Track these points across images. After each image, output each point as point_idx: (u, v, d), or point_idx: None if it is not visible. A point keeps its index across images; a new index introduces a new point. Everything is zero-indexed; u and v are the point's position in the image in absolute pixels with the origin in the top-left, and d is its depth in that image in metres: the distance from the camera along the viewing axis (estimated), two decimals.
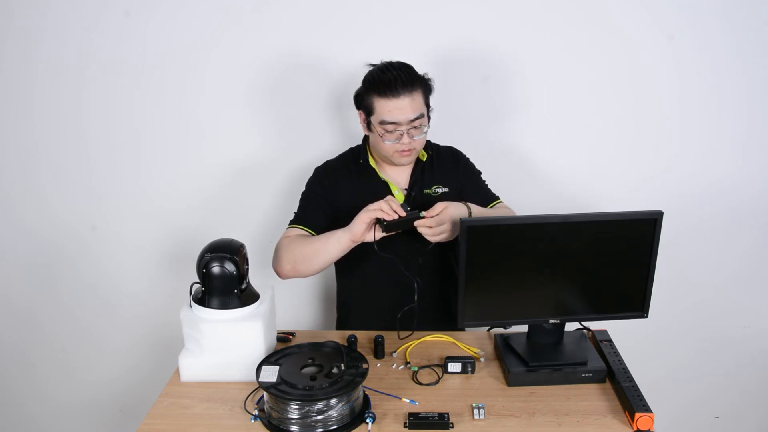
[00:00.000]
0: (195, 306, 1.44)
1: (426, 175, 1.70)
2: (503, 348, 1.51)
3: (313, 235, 1.64)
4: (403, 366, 1.51)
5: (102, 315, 2.22)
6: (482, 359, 1.53)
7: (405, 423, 1.29)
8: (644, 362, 1.81)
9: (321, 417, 1.24)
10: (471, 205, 1.59)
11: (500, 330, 1.58)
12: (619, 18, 1.87)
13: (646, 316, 1.47)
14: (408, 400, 1.37)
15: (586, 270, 1.44)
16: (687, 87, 1.93)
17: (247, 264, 1.50)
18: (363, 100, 1.59)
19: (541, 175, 2.03)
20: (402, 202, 1.66)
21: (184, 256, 2.07)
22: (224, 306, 1.42)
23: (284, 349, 1.41)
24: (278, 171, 2.04)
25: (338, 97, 1.95)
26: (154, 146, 2.03)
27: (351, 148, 1.78)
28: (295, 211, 1.72)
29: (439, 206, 1.51)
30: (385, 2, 1.86)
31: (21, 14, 1.90)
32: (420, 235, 1.51)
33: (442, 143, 1.79)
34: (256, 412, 1.32)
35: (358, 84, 1.62)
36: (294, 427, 1.25)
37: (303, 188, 1.74)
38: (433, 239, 1.51)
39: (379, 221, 1.49)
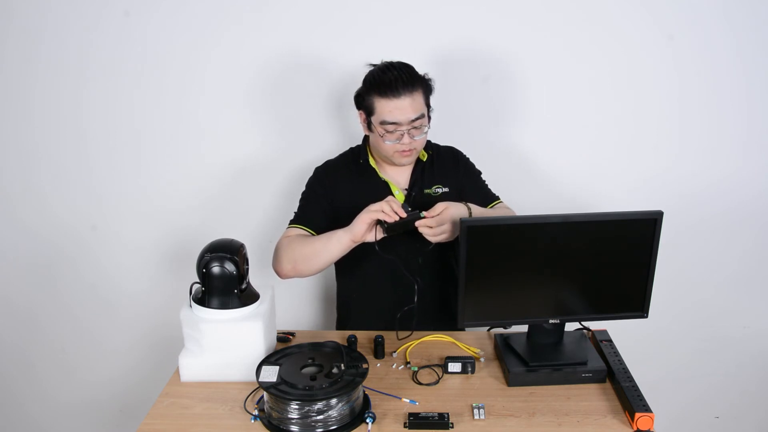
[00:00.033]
0: (195, 306, 1.44)
1: (426, 175, 1.70)
2: (503, 348, 1.51)
3: (313, 234, 1.64)
4: (403, 366, 1.51)
5: (102, 315, 2.22)
6: (482, 359, 1.53)
7: (405, 423, 1.29)
8: (644, 362, 1.81)
9: (321, 417, 1.24)
10: (471, 205, 1.59)
11: (500, 330, 1.58)
12: (619, 18, 1.87)
13: (646, 316, 1.47)
14: (408, 400, 1.37)
15: (586, 270, 1.44)
16: (687, 87, 1.93)
17: (247, 264, 1.50)
18: (363, 100, 1.59)
19: (541, 175, 2.03)
20: (402, 202, 1.66)
21: (184, 256, 2.07)
22: (224, 306, 1.42)
23: (284, 349, 1.41)
24: (278, 171, 2.04)
25: (338, 97, 1.95)
26: (154, 146, 2.03)
27: (351, 148, 1.78)
28: (295, 210, 1.72)
29: (440, 206, 1.51)
30: (385, 2, 1.86)
31: (21, 14, 1.90)
32: (420, 235, 1.51)
33: (442, 143, 1.79)
34: (256, 412, 1.32)
35: (358, 84, 1.62)
36: (294, 427, 1.25)
37: (303, 188, 1.74)
38: (433, 239, 1.51)
39: (380, 222, 1.49)
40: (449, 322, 1.69)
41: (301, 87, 1.95)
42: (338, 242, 1.53)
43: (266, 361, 1.36)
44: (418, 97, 1.55)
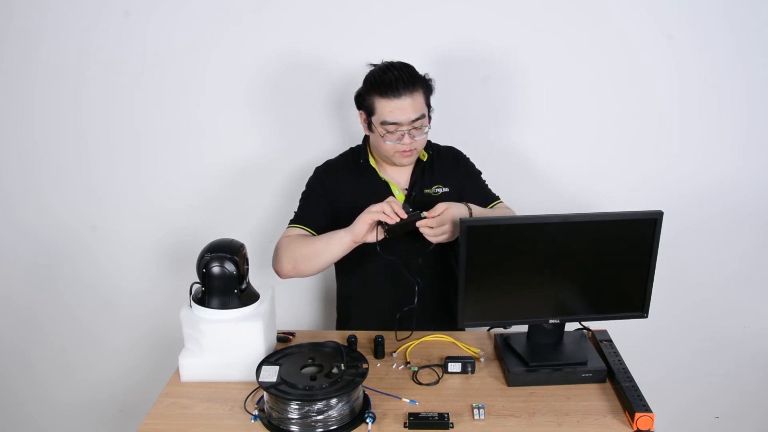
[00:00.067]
0: (195, 306, 1.44)
1: (426, 175, 1.70)
2: (503, 348, 1.51)
3: (313, 234, 1.64)
4: (403, 366, 1.51)
5: (102, 315, 2.22)
6: (482, 359, 1.53)
7: (405, 423, 1.29)
8: (644, 362, 1.81)
9: (321, 417, 1.24)
10: (472, 205, 1.59)
11: (500, 330, 1.58)
12: (619, 18, 1.87)
13: (646, 316, 1.47)
14: (408, 400, 1.37)
15: (586, 270, 1.44)
16: (687, 87, 1.93)
17: (247, 264, 1.50)
18: (364, 101, 1.59)
19: (541, 175, 2.03)
20: (402, 201, 1.66)
21: (184, 256, 2.07)
22: (224, 306, 1.42)
23: (284, 349, 1.41)
24: (278, 171, 2.04)
25: (338, 97, 1.95)
26: (154, 146, 2.03)
27: (351, 148, 1.78)
28: (295, 210, 1.72)
29: (441, 207, 1.51)
30: (385, 2, 1.86)
31: (21, 14, 1.90)
32: (421, 235, 1.51)
33: (442, 143, 1.79)
34: (256, 412, 1.32)
35: (359, 84, 1.62)
36: (294, 427, 1.25)
37: (303, 188, 1.74)
38: (434, 240, 1.51)
39: (381, 223, 1.49)
40: (449, 322, 1.69)
41: (301, 87, 1.95)
42: (339, 243, 1.53)
43: (266, 361, 1.36)
44: (418, 98, 1.55)
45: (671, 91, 1.93)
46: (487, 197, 1.74)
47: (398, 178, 1.70)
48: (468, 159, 1.79)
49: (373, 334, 1.58)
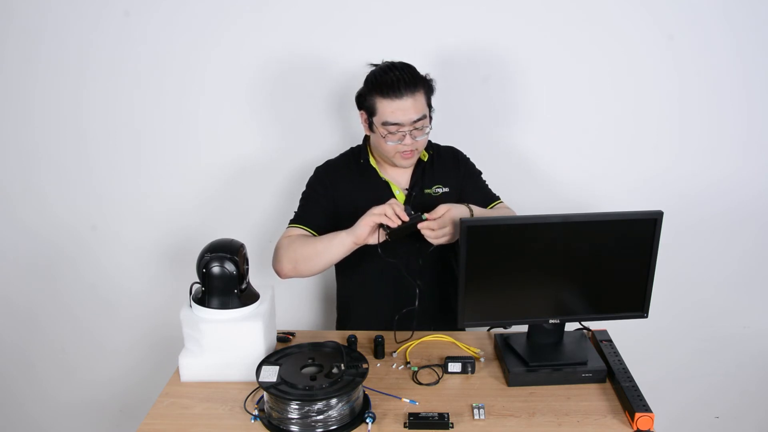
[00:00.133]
0: (195, 306, 1.44)
1: (427, 175, 1.70)
2: (503, 348, 1.51)
3: (313, 234, 1.64)
4: (403, 366, 1.51)
5: (102, 315, 2.22)
6: (482, 359, 1.53)
7: (405, 423, 1.29)
8: (644, 362, 1.81)
9: (321, 417, 1.24)
10: (473, 207, 1.59)
11: (500, 330, 1.58)
12: (619, 18, 1.87)
13: (646, 316, 1.47)
14: (408, 400, 1.37)
15: (586, 270, 1.44)
16: (687, 87, 1.93)
17: (247, 264, 1.50)
18: (365, 101, 1.59)
19: (541, 175, 2.03)
20: (403, 201, 1.67)
21: (184, 256, 2.07)
22: (224, 306, 1.42)
23: (284, 349, 1.41)
24: (278, 171, 2.04)
25: (338, 97, 1.95)
26: (154, 146, 2.03)
27: (351, 148, 1.77)
28: (296, 210, 1.71)
29: (442, 208, 1.51)
30: (385, 2, 1.86)
31: (21, 14, 1.90)
32: (421, 236, 1.51)
33: (442, 143, 1.79)
34: (256, 412, 1.32)
35: (359, 84, 1.62)
36: (294, 427, 1.25)
37: (303, 188, 1.74)
38: (435, 242, 1.51)
39: (382, 226, 1.49)
40: (449, 322, 1.69)
41: (301, 87, 1.95)
42: (341, 244, 1.53)
43: (266, 361, 1.36)
44: (420, 98, 1.55)
45: (671, 91, 1.93)
46: (487, 197, 1.74)
47: (399, 178, 1.70)
48: (468, 159, 1.79)
49: (373, 334, 1.58)
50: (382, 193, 1.66)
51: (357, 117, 1.67)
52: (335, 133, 2.00)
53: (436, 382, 1.44)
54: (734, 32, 1.87)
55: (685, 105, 1.95)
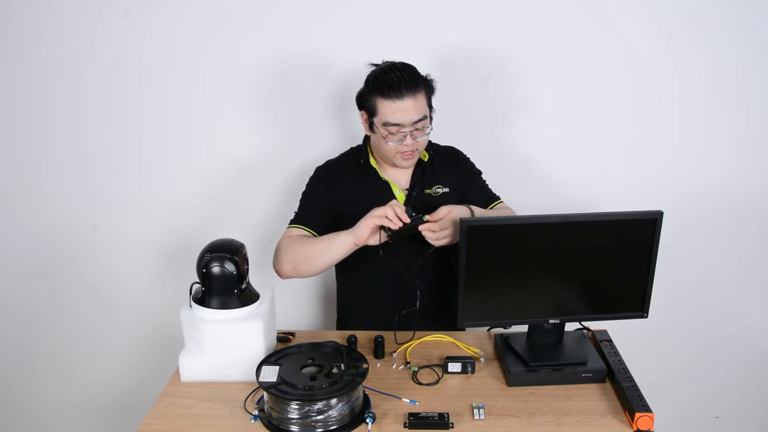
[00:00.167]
0: (195, 306, 1.44)
1: (427, 175, 1.70)
2: (503, 348, 1.51)
3: (314, 234, 1.64)
4: (403, 366, 1.51)
5: (102, 315, 2.23)
6: (482, 359, 1.53)
7: (405, 423, 1.29)
8: (644, 362, 1.81)
9: (321, 417, 1.24)
10: (474, 208, 1.59)
11: (500, 330, 1.58)
12: (619, 18, 1.87)
13: (646, 316, 1.47)
14: (408, 400, 1.37)
15: (586, 270, 1.44)
16: (687, 87, 1.93)
17: (247, 264, 1.50)
18: (366, 101, 1.59)
19: (541, 175, 2.03)
20: (403, 201, 1.66)
21: (184, 256, 2.07)
22: (224, 306, 1.42)
23: (284, 349, 1.41)
24: (278, 171, 2.04)
25: (338, 97, 1.95)
26: (154, 146, 2.03)
27: (352, 148, 1.77)
28: (296, 210, 1.71)
29: (443, 210, 1.51)
30: (385, 2, 1.86)
31: (21, 14, 1.90)
32: (422, 236, 1.51)
33: (442, 143, 1.79)
34: (256, 412, 1.32)
35: (359, 84, 1.62)
36: (294, 427, 1.25)
37: (303, 188, 1.73)
38: (436, 243, 1.51)
39: (384, 228, 1.49)
40: (449, 322, 1.69)
41: (301, 87, 1.95)
42: (341, 245, 1.53)
43: (266, 361, 1.36)
44: (420, 99, 1.55)
45: (671, 91, 1.93)
46: (487, 197, 1.74)
47: (399, 178, 1.70)
48: (468, 159, 1.79)
49: (373, 334, 1.58)
50: (383, 193, 1.66)
51: (357, 117, 1.67)
52: (335, 133, 2.00)
53: (436, 382, 1.44)
54: (734, 32, 1.87)
55: (685, 105, 1.95)
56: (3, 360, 2.30)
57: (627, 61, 1.91)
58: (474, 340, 1.63)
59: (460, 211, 1.53)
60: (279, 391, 1.25)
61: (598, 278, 1.45)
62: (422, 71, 1.59)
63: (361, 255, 1.59)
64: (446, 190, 1.70)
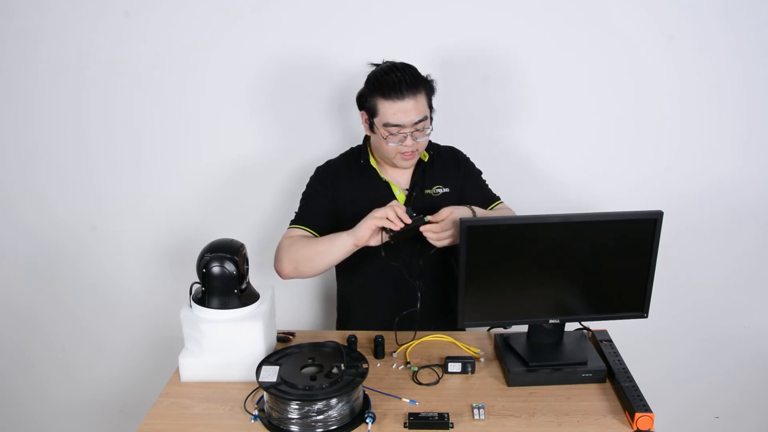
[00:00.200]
0: (195, 306, 1.44)
1: (427, 175, 1.70)
2: (503, 348, 1.51)
3: (314, 235, 1.64)
4: (403, 366, 1.51)
5: (102, 315, 2.22)
6: (482, 359, 1.53)
7: (405, 423, 1.29)
8: (644, 362, 1.81)
9: (321, 417, 1.24)
10: (476, 208, 1.59)
11: (500, 330, 1.58)
12: (619, 18, 1.87)
13: (646, 316, 1.47)
14: (408, 400, 1.37)
15: (586, 270, 1.44)
16: (687, 87, 1.93)
17: (247, 264, 1.50)
18: (366, 101, 1.58)
19: (541, 175, 2.03)
20: (403, 202, 1.66)
21: (184, 256, 2.07)
22: (224, 306, 1.42)
23: (284, 349, 1.41)
24: (278, 171, 2.04)
25: (338, 97, 1.95)
26: (154, 146, 2.03)
27: (352, 148, 1.77)
28: (296, 211, 1.71)
29: (445, 212, 1.51)
30: (385, 2, 1.86)
31: (21, 14, 1.90)
32: (422, 237, 1.51)
33: (442, 143, 1.79)
34: (256, 412, 1.32)
35: (359, 84, 1.61)
36: (294, 427, 1.25)
37: (303, 188, 1.73)
38: (438, 244, 1.51)
39: (385, 229, 1.49)
40: (449, 322, 1.69)
41: (301, 87, 1.95)
42: (342, 245, 1.53)
43: (266, 361, 1.36)
44: (421, 99, 1.55)
45: (671, 91, 1.93)
46: (487, 197, 1.74)
47: (399, 178, 1.70)
48: (468, 159, 1.78)
49: (373, 334, 1.58)
50: (383, 193, 1.66)
51: (357, 117, 1.66)
52: (335, 133, 2.00)
53: (436, 382, 1.44)
54: (734, 32, 1.87)
55: (685, 105, 1.95)
56: (3, 360, 2.30)
57: (627, 61, 1.91)
58: (474, 340, 1.63)
59: (461, 212, 1.53)
60: (279, 391, 1.25)
61: (598, 278, 1.45)
62: (422, 71, 1.59)
63: (362, 255, 1.59)
64: (446, 190, 1.70)
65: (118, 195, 2.08)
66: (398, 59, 1.60)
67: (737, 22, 1.86)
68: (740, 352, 2.22)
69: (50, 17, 1.90)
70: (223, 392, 1.40)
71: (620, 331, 1.68)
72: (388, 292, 1.70)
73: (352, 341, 1.55)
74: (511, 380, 1.42)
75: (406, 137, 1.55)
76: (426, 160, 1.70)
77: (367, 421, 1.27)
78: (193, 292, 1.46)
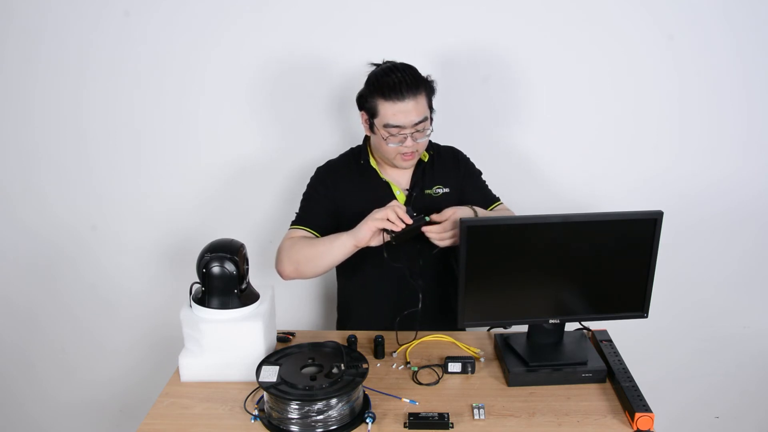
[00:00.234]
0: (195, 306, 1.44)
1: (427, 175, 1.70)
2: (503, 348, 1.51)
3: (316, 235, 1.64)
4: (403, 366, 1.51)
5: (102, 315, 2.22)
6: (482, 359, 1.53)
7: (405, 423, 1.29)
8: (644, 362, 1.81)
9: (321, 417, 1.24)
10: (477, 209, 1.59)
11: (500, 330, 1.58)
12: (619, 18, 1.87)
13: (646, 316, 1.47)
14: (408, 400, 1.37)
15: (586, 270, 1.44)
16: (687, 87, 1.93)
17: (247, 264, 1.50)
18: (366, 102, 1.58)
19: (541, 175, 2.03)
20: (403, 202, 1.66)
21: (184, 256, 2.07)
22: (224, 306, 1.42)
23: (284, 349, 1.41)
24: (278, 171, 2.04)
25: (338, 97, 1.95)
26: (154, 146, 2.03)
27: (352, 148, 1.77)
28: (297, 211, 1.71)
29: (448, 212, 1.51)
30: (385, 2, 1.86)
31: (21, 14, 1.90)
32: (423, 237, 1.51)
33: (442, 143, 1.79)
34: (256, 412, 1.32)
35: (359, 84, 1.61)
36: (294, 427, 1.25)
37: (303, 188, 1.73)
38: (441, 244, 1.51)
39: (386, 230, 1.49)
40: (449, 322, 1.69)
41: (301, 87, 1.95)
42: (342, 246, 1.53)
43: (266, 361, 1.36)
44: (421, 100, 1.55)
45: (671, 91, 1.93)
46: (486, 198, 1.74)
47: (399, 178, 1.70)
48: (468, 159, 1.78)
49: (373, 334, 1.58)
50: (383, 193, 1.66)
51: (357, 117, 1.66)
52: (335, 133, 2.00)
53: (436, 382, 1.44)
54: (734, 32, 1.87)
55: (685, 105, 1.95)
56: (3, 360, 2.30)
57: (627, 61, 1.90)
58: (474, 340, 1.63)
59: (463, 212, 1.53)
60: (279, 391, 1.25)
61: (598, 278, 1.45)
62: (423, 71, 1.59)
63: (362, 255, 1.59)
64: (446, 190, 1.70)
65: (118, 195, 2.08)
66: (398, 59, 1.60)
67: (737, 22, 1.86)
68: (740, 352, 2.22)
69: (50, 17, 1.90)
70: (223, 392, 1.40)
71: (620, 331, 1.68)
72: (388, 292, 1.70)
73: (352, 341, 1.55)
74: (511, 380, 1.42)
75: (406, 138, 1.55)
76: (426, 160, 1.70)
77: (367, 421, 1.27)
78: (193, 292, 1.46)
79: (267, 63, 1.93)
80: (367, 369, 1.32)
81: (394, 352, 1.57)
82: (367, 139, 1.73)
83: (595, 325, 1.61)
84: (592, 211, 1.43)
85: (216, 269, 1.42)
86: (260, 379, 1.28)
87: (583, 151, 2.01)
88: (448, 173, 1.72)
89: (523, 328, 1.54)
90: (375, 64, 1.61)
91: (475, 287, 1.42)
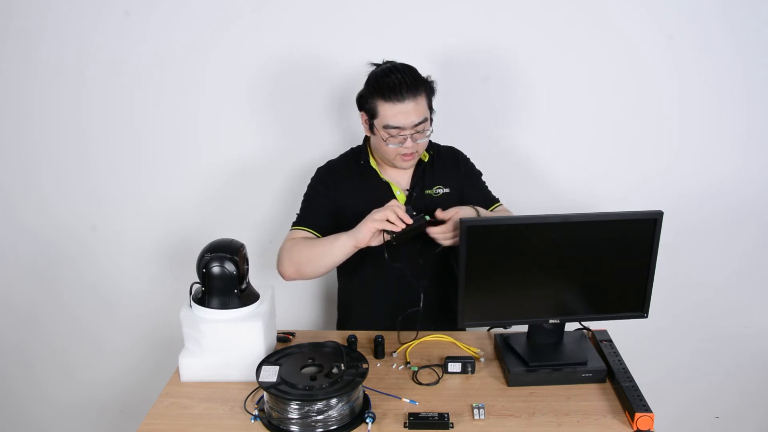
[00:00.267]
0: (195, 306, 1.44)
1: (427, 175, 1.70)
2: (503, 348, 1.51)
3: (317, 236, 1.64)
4: (403, 366, 1.51)
5: (102, 315, 2.22)
6: (482, 359, 1.53)
7: (405, 423, 1.29)
8: (644, 362, 1.81)
9: (321, 417, 1.24)
10: (480, 209, 1.59)
11: (500, 330, 1.58)
12: (619, 18, 1.87)
13: (646, 316, 1.47)
14: (408, 400, 1.37)
15: (586, 270, 1.44)
16: (687, 87, 1.93)
17: (247, 264, 1.50)
18: (366, 103, 1.58)
19: (541, 175, 2.03)
20: (403, 202, 1.66)
21: (184, 256, 2.07)
22: (224, 306, 1.42)
23: (284, 349, 1.41)
24: (278, 171, 2.04)
25: (338, 97, 1.95)
26: (154, 146, 2.03)
27: (352, 149, 1.77)
28: (298, 212, 1.71)
29: (451, 211, 1.52)
30: (385, 2, 1.86)
31: (21, 14, 1.90)
32: (423, 236, 1.51)
33: (442, 143, 1.79)
34: (256, 412, 1.32)
35: (359, 84, 1.61)
36: (294, 427, 1.25)
37: (303, 188, 1.73)
38: (445, 243, 1.51)
39: (386, 231, 1.49)
40: (449, 322, 1.69)
41: (301, 87, 1.95)
42: (342, 247, 1.53)
43: (266, 361, 1.36)
44: (421, 101, 1.55)
45: (671, 91, 1.93)
46: (486, 199, 1.74)
47: (399, 178, 1.70)
48: (468, 159, 1.78)
49: (373, 334, 1.58)
50: (383, 194, 1.66)
51: (357, 117, 1.66)
52: (335, 133, 2.00)
53: (436, 382, 1.44)
54: (734, 32, 1.87)
55: (685, 105, 1.95)
56: (3, 360, 2.30)
57: (627, 61, 1.91)
58: (474, 340, 1.63)
59: (466, 212, 1.53)
60: (279, 391, 1.25)
61: (598, 278, 1.45)
62: (422, 72, 1.59)
63: (362, 255, 1.59)
64: (446, 190, 1.70)
65: (118, 195, 2.08)
66: (398, 59, 1.60)
67: (737, 22, 1.86)
68: (740, 352, 2.22)
69: (50, 17, 1.90)
70: (223, 392, 1.40)
71: (620, 331, 1.68)
72: (388, 292, 1.70)
73: (352, 341, 1.55)
74: (511, 380, 1.42)
75: (405, 139, 1.55)
76: (426, 160, 1.70)
77: (367, 421, 1.27)
78: (193, 292, 1.46)
79: (267, 63, 1.93)
80: (367, 369, 1.32)
81: (394, 352, 1.57)
82: (367, 139, 1.73)
83: (595, 325, 1.61)
84: (592, 211, 1.43)
85: (216, 269, 1.42)
86: (260, 379, 1.28)
87: (583, 151, 2.01)
88: (448, 173, 1.72)
89: (523, 328, 1.54)
90: (375, 65, 1.61)
91: (475, 287, 1.42)
